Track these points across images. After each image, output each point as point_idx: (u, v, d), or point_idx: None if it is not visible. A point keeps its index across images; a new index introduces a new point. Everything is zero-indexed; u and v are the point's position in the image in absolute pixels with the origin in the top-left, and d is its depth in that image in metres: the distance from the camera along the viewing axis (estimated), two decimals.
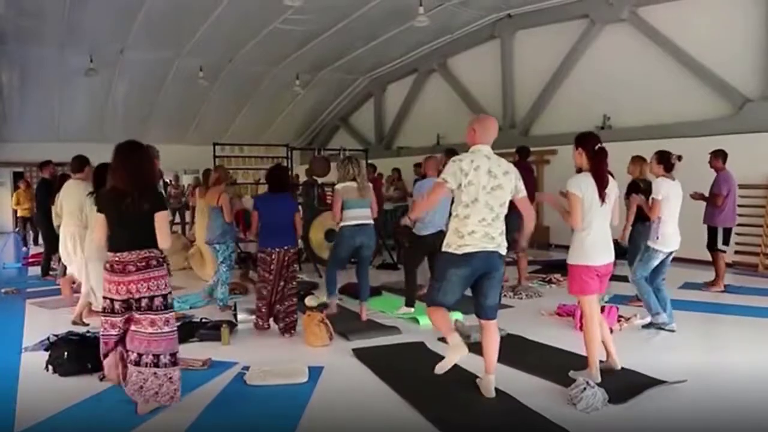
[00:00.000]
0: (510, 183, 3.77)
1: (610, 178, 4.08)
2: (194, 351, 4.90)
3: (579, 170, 4.16)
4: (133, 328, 3.58)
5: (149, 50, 12.84)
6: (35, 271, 9.30)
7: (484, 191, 3.66)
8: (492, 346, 3.89)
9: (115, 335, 3.62)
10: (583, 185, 4.00)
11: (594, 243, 4.05)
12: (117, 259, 3.54)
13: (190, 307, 6.65)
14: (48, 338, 4.80)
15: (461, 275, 3.72)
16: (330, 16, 11.90)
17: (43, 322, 5.90)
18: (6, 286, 7.89)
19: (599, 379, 3.98)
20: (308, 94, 16.78)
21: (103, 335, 3.66)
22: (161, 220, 3.58)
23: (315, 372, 4.37)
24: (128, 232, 3.56)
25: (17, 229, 15.25)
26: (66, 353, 4.35)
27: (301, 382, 4.19)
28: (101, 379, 4.04)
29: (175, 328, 3.71)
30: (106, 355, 3.70)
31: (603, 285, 4.25)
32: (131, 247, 3.53)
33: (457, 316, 5.50)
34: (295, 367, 4.41)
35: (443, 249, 3.80)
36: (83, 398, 3.84)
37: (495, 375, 3.89)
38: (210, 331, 5.38)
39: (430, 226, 5.98)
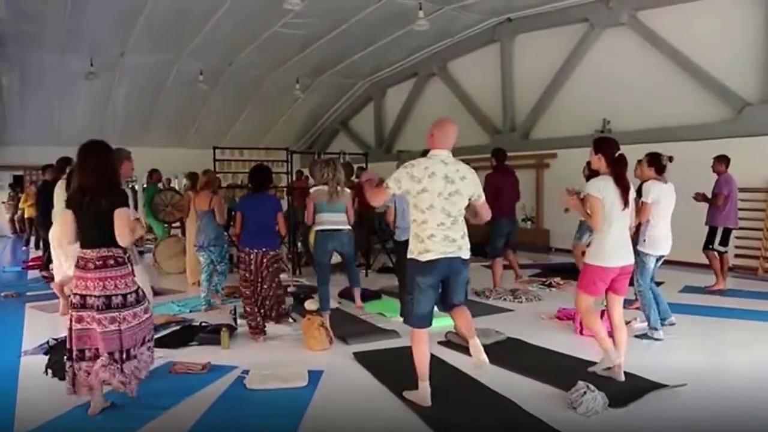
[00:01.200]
0: (468, 188, 3.75)
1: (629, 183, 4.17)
2: (194, 355, 4.90)
3: (591, 173, 4.21)
4: (92, 326, 3.60)
5: (149, 54, 12.86)
6: (35, 274, 9.30)
7: (440, 197, 3.65)
8: (465, 320, 3.90)
9: (87, 329, 3.60)
10: (603, 188, 4.07)
11: (612, 245, 4.11)
12: (82, 255, 3.64)
13: (190, 311, 6.65)
14: (47, 342, 4.81)
15: (428, 283, 3.72)
16: (330, 19, 11.91)
17: (42, 326, 5.90)
18: (6, 290, 7.89)
19: (620, 359, 4.09)
20: (308, 98, 16.80)
21: (72, 330, 3.65)
22: (119, 217, 3.60)
23: (315, 376, 4.37)
24: (90, 229, 3.64)
25: (18, 233, 15.30)
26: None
27: (300, 385, 4.19)
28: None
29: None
30: (81, 357, 3.64)
31: (623, 285, 4.29)
32: (92, 245, 3.62)
33: (448, 322, 5.48)
34: (294, 370, 4.41)
35: (408, 255, 3.79)
36: (82, 402, 3.83)
37: (477, 339, 3.86)
38: (209, 334, 5.38)
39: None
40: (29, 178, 16.23)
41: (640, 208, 5.35)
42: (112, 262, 3.61)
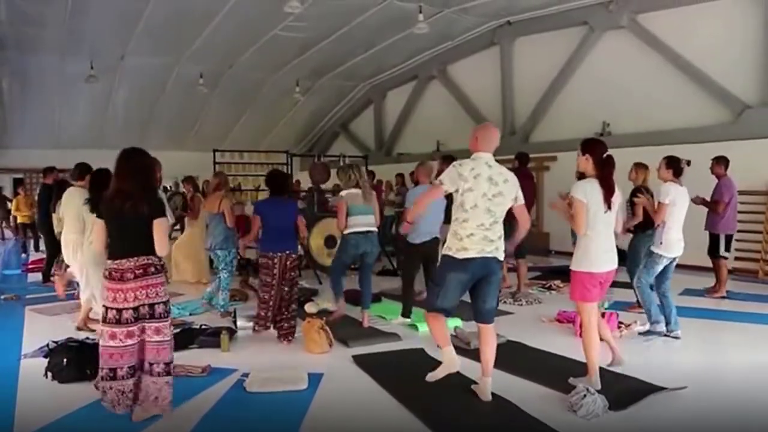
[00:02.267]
0: (511, 191, 3.82)
1: (614, 185, 4.10)
2: (194, 357, 4.89)
3: (581, 176, 4.17)
4: (156, 338, 3.57)
5: (149, 57, 12.88)
6: (35, 277, 9.29)
7: (484, 198, 3.70)
8: (489, 349, 3.93)
9: (114, 347, 3.52)
10: (588, 191, 4.00)
11: (598, 250, 4.06)
12: (115, 266, 3.54)
13: (190, 314, 6.64)
14: (47, 345, 4.78)
15: (460, 280, 3.77)
16: (330, 22, 11.94)
17: (42, 329, 5.89)
18: (6, 293, 7.88)
19: (599, 386, 3.97)
20: (308, 101, 16.83)
21: (102, 347, 3.59)
22: (159, 227, 3.57)
23: (315, 378, 4.36)
24: (127, 237, 3.57)
25: (16, 236, 15.25)
26: (65, 360, 4.34)
27: (300, 388, 4.18)
28: (98, 388, 3.83)
29: (171, 337, 3.70)
30: (113, 376, 3.55)
31: (603, 291, 4.25)
32: (130, 254, 3.54)
33: (457, 323, 5.49)
34: (294, 373, 4.40)
35: (443, 252, 3.85)
36: (82, 405, 3.82)
37: (492, 378, 3.91)
38: (209, 337, 5.36)
39: (423, 233, 5.93)
40: (28, 182, 16.20)
41: (657, 209, 5.34)
42: (152, 269, 3.57)
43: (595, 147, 4.08)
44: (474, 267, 3.73)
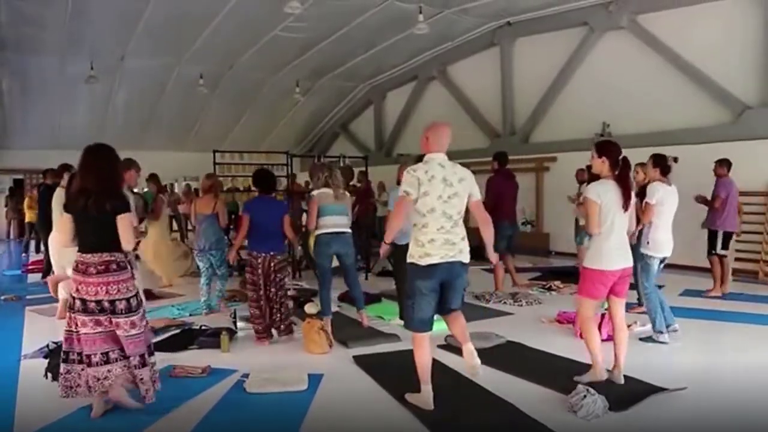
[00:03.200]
0: (465, 190, 3.76)
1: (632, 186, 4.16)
2: (193, 358, 4.90)
3: (595, 177, 4.19)
4: (109, 328, 3.59)
5: (149, 58, 12.88)
6: (35, 278, 9.29)
7: (440, 200, 3.65)
8: (457, 326, 3.91)
9: (85, 333, 3.59)
10: (602, 192, 4.05)
11: (611, 249, 4.09)
12: (81, 260, 3.60)
13: (190, 314, 6.64)
14: (47, 345, 4.79)
15: (428, 287, 3.71)
16: (330, 23, 11.94)
17: (42, 330, 5.90)
18: (5, 293, 7.88)
19: (605, 376, 4.01)
20: (308, 102, 16.83)
21: (67, 331, 3.65)
22: (122, 222, 3.59)
23: (315, 379, 4.37)
24: (91, 233, 3.61)
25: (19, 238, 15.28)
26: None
27: (300, 389, 4.18)
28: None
29: (143, 330, 3.71)
30: (88, 363, 3.62)
31: (623, 288, 4.26)
32: (93, 249, 3.58)
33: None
34: (294, 374, 4.40)
35: (408, 260, 3.79)
36: (82, 405, 3.82)
37: (471, 343, 3.86)
38: (209, 338, 5.37)
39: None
40: (30, 182, 16.24)
41: (644, 209, 5.34)
42: (114, 266, 3.60)
43: (611, 149, 4.13)
44: (439, 272, 3.68)
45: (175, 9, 10.70)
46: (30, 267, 10.49)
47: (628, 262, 4.18)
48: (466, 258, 3.78)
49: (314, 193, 5.88)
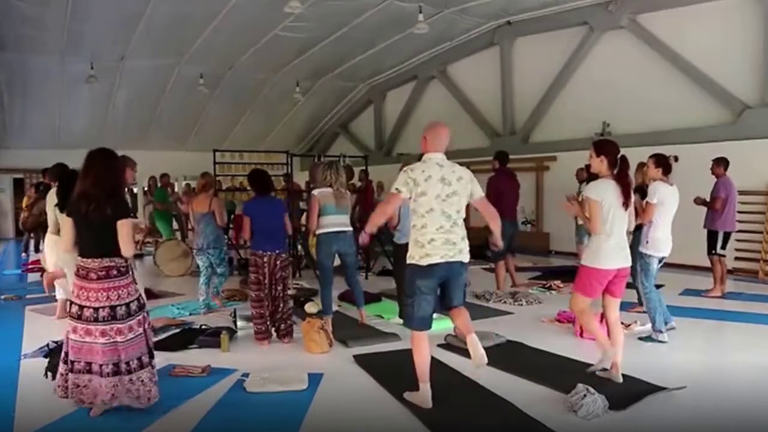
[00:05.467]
0: (465, 188, 3.76)
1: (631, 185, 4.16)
2: (194, 358, 4.90)
3: (594, 176, 4.19)
4: (102, 340, 3.56)
5: (150, 58, 12.88)
6: (34, 277, 9.29)
7: (438, 200, 3.66)
8: (461, 319, 3.92)
9: (74, 341, 3.59)
10: (602, 191, 4.05)
11: (610, 248, 4.10)
12: (82, 264, 3.59)
13: (190, 314, 6.65)
14: (47, 345, 4.80)
15: (428, 286, 3.72)
16: (330, 23, 11.94)
17: (42, 329, 5.89)
18: (6, 293, 7.88)
19: (617, 357, 4.09)
20: (308, 101, 16.83)
21: (68, 339, 3.64)
22: (122, 228, 3.58)
23: (315, 379, 4.37)
24: (92, 238, 3.60)
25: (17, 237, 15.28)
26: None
27: (300, 389, 4.18)
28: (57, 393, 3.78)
29: (141, 333, 3.70)
30: (71, 368, 3.63)
31: (620, 288, 4.27)
32: (94, 255, 3.57)
33: (448, 324, 5.48)
34: (294, 373, 4.40)
35: (408, 261, 3.79)
36: (82, 405, 3.82)
37: (475, 334, 3.84)
38: (209, 337, 5.37)
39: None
40: (30, 181, 16.23)
41: (645, 208, 5.34)
42: (115, 272, 3.59)
43: (609, 148, 4.13)
44: (439, 271, 3.70)
45: (175, 9, 10.70)
46: (30, 266, 10.48)
47: (627, 262, 4.18)
48: (466, 258, 3.79)
49: (315, 192, 5.86)
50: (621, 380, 4.17)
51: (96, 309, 3.55)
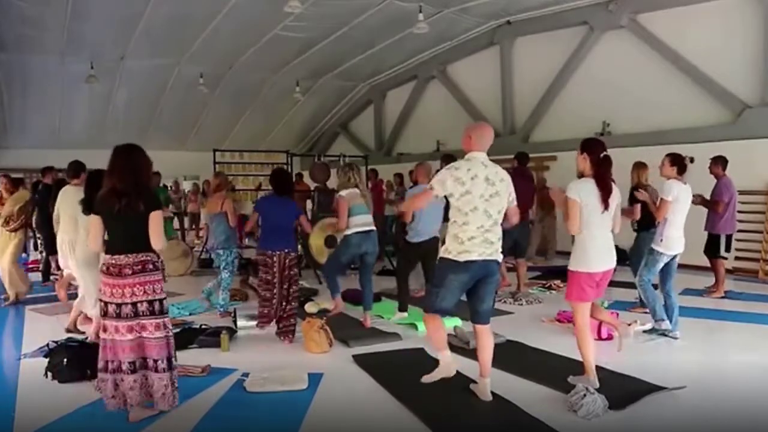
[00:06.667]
0: (506, 190, 3.81)
1: (612, 185, 4.06)
2: (193, 358, 4.89)
3: (580, 175, 4.14)
4: (143, 334, 3.53)
5: (150, 57, 12.87)
6: (34, 277, 9.28)
7: (482, 199, 3.68)
8: (487, 350, 3.93)
9: (119, 341, 3.52)
10: (582, 191, 3.97)
11: (595, 250, 4.05)
12: (113, 261, 3.52)
13: (190, 314, 6.64)
14: (47, 345, 4.79)
15: (460, 281, 3.76)
16: (330, 23, 11.93)
17: (42, 329, 5.90)
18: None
19: (597, 385, 3.98)
20: (308, 101, 16.82)
21: (104, 339, 3.58)
22: (155, 219, 3.56)
23: (315, 378, 4.37)
24: (124, 234, 3.56)
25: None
26: (65, 360, 4.35)
27: (300, 388, 4.18)
28: (98, 389, 3.74)
29: (169, 333, 3.67)
30: (114, 369, 3.56)
31: (601, 289, 4.24)
32: (128, 250, 3.52)
33: (456, 322, 5.50)
34: (294, 373, 4.40)
35: (442, 255, 3.82)
36: (82, 405, 3.83)
37: (490, 379, 3.91)
38: (209, 337, 5.37)
39: (422, 233, 5.98)
40: (30, 181, 16.22)
41: (659, 205, 5.34)
42: (150, 266, 3.56)
43: (593, 146, 4.04)
44: (475, 268, 3.73)
45: (175, 9, 10.69)
46: (29, 266, 10.47)
47: (613, 263, 4.15)
48: (500, 257, 3.85)
49: (343, 193, 5.86)
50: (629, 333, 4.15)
51: (134, 304, 3.50)
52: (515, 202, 3.92)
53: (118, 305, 3.51)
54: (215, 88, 14.76)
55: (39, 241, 9.68)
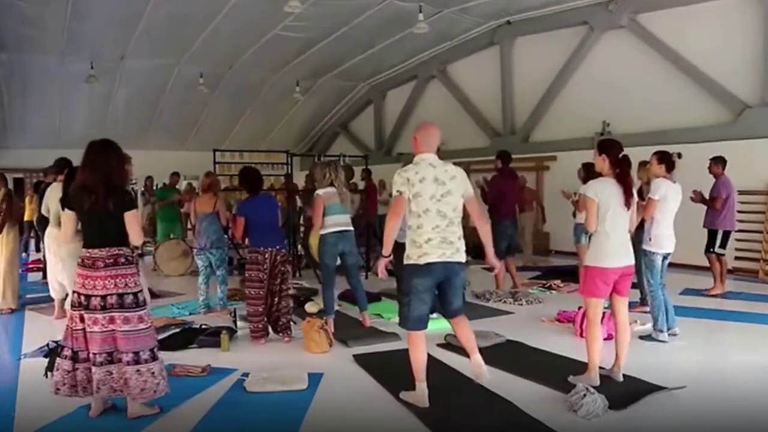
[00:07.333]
0: (459, 187, 3.78)
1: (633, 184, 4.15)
2: (194, 357, 4.90)
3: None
4: (110, 327, 3.53)
5: (150, 57, 12.87)
6: (34, 277, 9.28)
7: (433, 200, 3.67)
8: (465, 333, 3.97)
9: (80, 330, 3.56)
10: (600, 190, 4.07)
11: (612, 246, 4.09)
12: (88, 254, 3.56)
13: (190, 314, 6.64)
14: (47, 344, 4.80)
15: (425, 285, 3.73)
16: (330, 22, 11.93)
17: (42, 329, 5.90)
18: None
19: (598, 383, 4.00)
20: (308, 101, 16.82)
21: (69, 328, 3.61)
22: (131, 218, 3.57)
23: (315, 378, 4.37)
24: (97, 229, 3.58)
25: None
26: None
27: (300, 388, 4.18)
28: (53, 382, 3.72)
29: (150, 325, 3.68)
30: (75, 358, 3.59)
31: (625, 286, 4.25)
32: (101, 244, 3.55)
33: (444, 324, 5.48)
34: (294, 373, 4.41)
35: (405, 261, 3.80)
36: (82, 405, 3.82)
37: (479, 355, 3.92)
38: (209, 337, 5.37)
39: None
40: (30, 181, 16.22)
41: (646, 204, 5.34)
42: (123, 260, 3.56)
43: (611, 147, 4.15)
44: (436, 270, 3.70)
45: (175, 9, 10.69)
46: (29, 266, 10.47)
47: (630, 260, 4.17)
48: (462, 257, 3.81)
49: (319, 192, 5.82)
50: (621, 379, 4.17)
51: (104, 297, 3.51)
52: (471, 194, 3.86)
53: (87, 297, 3.53)
54: (215, 88, 14.76)
55: (42, 244, 9.65)
